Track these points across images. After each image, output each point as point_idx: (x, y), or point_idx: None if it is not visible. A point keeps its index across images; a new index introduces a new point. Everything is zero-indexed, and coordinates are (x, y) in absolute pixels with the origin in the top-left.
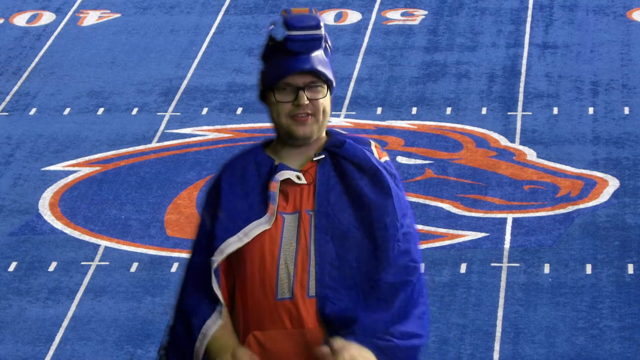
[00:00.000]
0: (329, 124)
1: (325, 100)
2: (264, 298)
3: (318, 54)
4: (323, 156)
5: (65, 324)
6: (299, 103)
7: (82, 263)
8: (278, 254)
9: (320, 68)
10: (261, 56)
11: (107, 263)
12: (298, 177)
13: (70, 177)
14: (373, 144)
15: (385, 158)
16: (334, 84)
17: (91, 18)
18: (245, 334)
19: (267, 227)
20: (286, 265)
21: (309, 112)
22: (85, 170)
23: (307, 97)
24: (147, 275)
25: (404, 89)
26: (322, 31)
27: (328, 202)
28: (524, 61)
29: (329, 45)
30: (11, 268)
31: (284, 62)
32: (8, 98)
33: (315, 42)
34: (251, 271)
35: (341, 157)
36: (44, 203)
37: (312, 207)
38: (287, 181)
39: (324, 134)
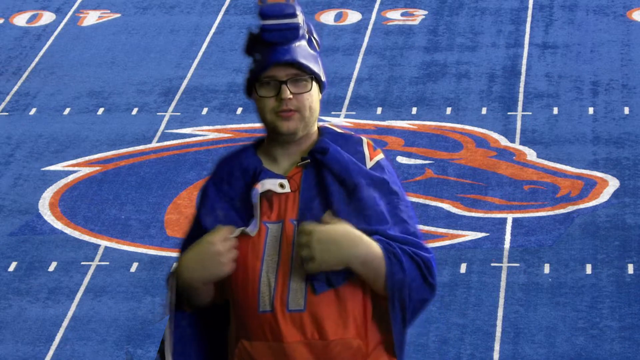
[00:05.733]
0: (332, 122)
1: (310, 96)
2: (248, 309)
3: (300, 45)
4: (308, 160)
5: (65, 324)
6: (281, 97)
7: (82, 263)
8: (260, 265)
9: (302, 60)
10: (244, 52)
11: (107, 263)
12: (282, 186)
13: (70, 177)
14: (365, 141)
15: (378, 157)
16: (324, 79)
17: (91, 18)
18: (237, 341)
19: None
20: (267, 278)
21: (293, 107)
22: (85, 170)
23: (291, 91)
24: (147, 275)
25: (404, 89)
26: (299, 20)
27: (312, 214)
28: (524, 61)
29: (314, 38)
30: (11, 268)
31: (264, 55)
32: (8, 98)
33: (292, 32)
34: (235, 282)
35: (323, 165)
36: (44, 203)
37: (296, 217)
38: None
39: (315, 130)
